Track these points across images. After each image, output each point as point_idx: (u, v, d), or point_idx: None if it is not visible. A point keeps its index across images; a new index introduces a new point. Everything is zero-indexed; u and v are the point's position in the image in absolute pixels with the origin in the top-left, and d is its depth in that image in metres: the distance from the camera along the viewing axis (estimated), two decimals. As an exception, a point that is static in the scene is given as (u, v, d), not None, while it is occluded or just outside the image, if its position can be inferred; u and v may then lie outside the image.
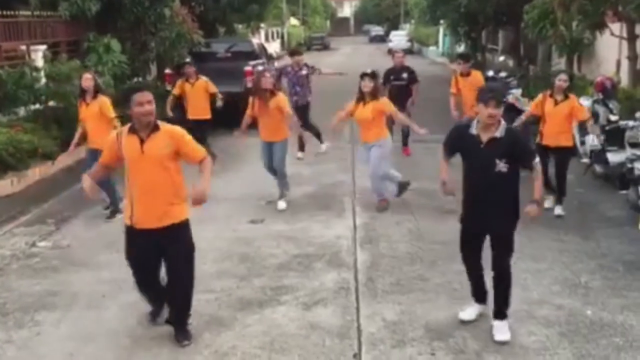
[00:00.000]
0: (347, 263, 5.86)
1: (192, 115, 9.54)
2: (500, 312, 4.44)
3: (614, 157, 7.77)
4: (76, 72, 10.33)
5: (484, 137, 4.24)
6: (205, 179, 4.32)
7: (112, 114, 7.17)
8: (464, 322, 4.60)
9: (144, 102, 4.08)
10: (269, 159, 7.65)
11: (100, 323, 4.73)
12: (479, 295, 4.65)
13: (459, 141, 4.43)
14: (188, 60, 10.26)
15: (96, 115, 7.18)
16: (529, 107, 7.69)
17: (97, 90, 7.25)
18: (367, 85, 7.14)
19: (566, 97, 7.01)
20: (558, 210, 7.09)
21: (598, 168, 8.26)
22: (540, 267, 5.65)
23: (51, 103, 10.44)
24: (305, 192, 8.27)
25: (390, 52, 10.64)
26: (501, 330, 4.39)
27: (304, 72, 10.28)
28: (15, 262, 6.11)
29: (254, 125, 7.70)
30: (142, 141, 4.15)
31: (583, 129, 9.01)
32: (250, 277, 5.57)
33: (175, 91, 9.74)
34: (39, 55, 11.00)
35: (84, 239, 6.69)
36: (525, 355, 4.19)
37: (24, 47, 11.08)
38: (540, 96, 7.27)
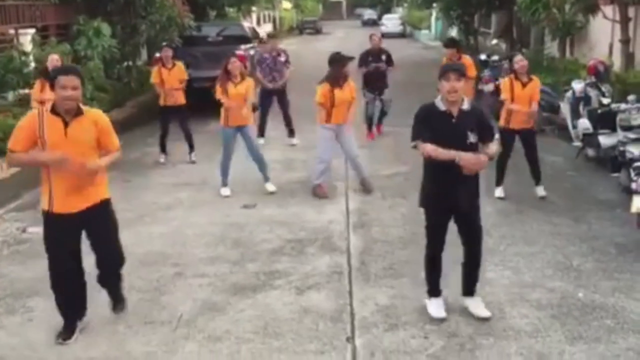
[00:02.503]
0: (339, 247, 5.86)
1: (169, 102, 9.10)
2: (474, 289, 4.53)
3: (605, 140, 7.78)
4: (66, 56, 10.24)
5: (454, 111, 4.26)
6: (104, 159, 4.16)
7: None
8: (456, 305, 4.60)
9: (68, 87, 3.89)
10: (232, 148, 7.60)
11: (93, 309, 4.70)
12: (438, 286, 4.58)
13: (429, 120, 4.33)
14: (165, 43, 9.84)
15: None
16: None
17: None
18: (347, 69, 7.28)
19: (530, 78, 7.04)
20: (540, 191, 7.09)
21: (590, 151, 8.27)
22: (532, 250, 5.67)
23: (40, 87, 10.33)
24: (298, 177, 8.25)
25: (371, 37, 10.44)
26: (481, 306, 4.48)
27: (282, 58, 10.20)
28: (6, 248, 6.08)
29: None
30: (65, 124, 3.97)
31: (575, 112, 9.03)
32: (244, 262, 5.57)
33: (155, 79, 9.18)
34: (27, 39, 10.87)
35: (76, 225, 6.64)
36: (517, 338, 4.21)
37: (12, 31, 10.96)
38: (506, 80, 7.20)
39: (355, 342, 4.22)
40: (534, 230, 6.17)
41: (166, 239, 6.14)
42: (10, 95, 10.14)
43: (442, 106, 4.28)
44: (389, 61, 10.21)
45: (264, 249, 5.86)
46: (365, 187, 7.55)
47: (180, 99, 9.12)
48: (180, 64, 9.26)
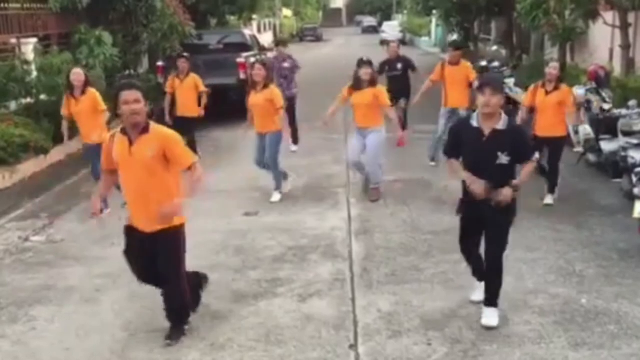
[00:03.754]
0: (342, 254, 5.86)
1: (180, 112, 9.25)
2: (491, 301, 4.45)
3: (607, 145, 7.79)
4: (68, 65, 10.27)
5: (486, 130, 4.17)
6: (190, 188, 4.17)
7: (103, 106, 7.15)
8: (460, 312, 4.60)
9: (130, 101, 3.93)
10: (261, 153, 7.59)
11: (95, 317, 4.71)
12: (482, 274, 4.59)
13: (460, 135, 4.33)
14: (186, 54, 9.90)
15: (89, 109, 7.16)
16: (522, 97, 7.63)
17: (86, 85, 7.22)
18: (367, 72, 7.15)
19: (557, 87, 6.90)
20: (548, 199, 7.08)
21: (591, 157, 8.28)
22: (535, 257, 5.66)
23: (43, 97, 10.35)
24: (300, 184, 8.25)
25: (384, 43, 10.55)
26: (492, 315, 4.43)
27: (287, 64, 10.23)
28: (8, 257, 6.08)
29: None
30: (130, 143, 4.03)
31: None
32: (246, 270, 5.56)
33: (169, 89, 9.41)
34: (29, 48, 10.89)
35: (78, 234, 6.65)
36: (520, 344, 4.20)
37: (14, 41, 10.98)
38: (532, 87, 7.21)
39: (359, 350, 4.21)
40: (535, 237, 6.16)
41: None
42: (13, 105, 10.16)
43: (475, 123, 4.22)
44: (409, 67, 10.21)
45: (266, 257, 5.86)
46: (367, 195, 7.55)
47: (193, 110, 9.24)
48: (194, 76, 9.38)
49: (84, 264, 5.82)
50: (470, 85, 8.68)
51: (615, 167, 7.25)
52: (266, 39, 36.19)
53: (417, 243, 6.05)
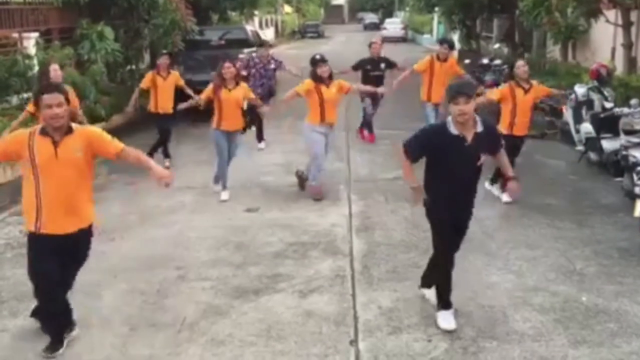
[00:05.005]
0: (342, 251, 5.87)
1: (161, 109, 9.12)
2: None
3: (608, 144, 7.79)
4: (69, 60, 10.27)
5: (468, 135, 4.15)
6: (146, 161, 4.17)
7: (77, 103, 7.36)
8: (460, 308, 4.59)
9: (53, 105, 3.81)
10: (229, 149, 7.64)
11: (96, 311, 4.72)
12: (449, 297, 4.50)
13: (435, 141, 4.23)
14: (165, 51, 9.82)
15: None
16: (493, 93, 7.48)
17: (62, 87, 7.25)
18: (325, 70, 7.32)
19: (530, 84, 7.05)
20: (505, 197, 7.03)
21: (592, 155, 8.27)
22: (535, 254, 5.67)
23: (44, 91, 10.35)
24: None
25: (370, 44, 10.44)
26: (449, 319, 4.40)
27: (272, 66, 10.37)
28: (9, 251, 6.09)
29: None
30: (55, 145, 3.89)
31: (578, 116, 9.03)
32: (246, 266, 5.57)
33: (144, 85, 9.19)
34: (31, 42, 10.89)
35: (79, 228, 6.65)
36: (520, 341, 4.21)
37: (16, 35, 10.98)
38: (506, 86, 7.17)
39: (359, 346, 4.22)
40: (536, 234, 6.16)
41: (169, 243, 6.15)
42: (14, 99, 10.16)
43: (454, 130, 4.15)
44: (390, 65, 10.20)
45: (266, 253, 5.87)
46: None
47: (171, 106, 9.16)
48: (175, 73, 9.33)
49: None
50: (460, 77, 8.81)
51: (617, 165, 7.26)
52: (268, 35, 36.19)
53: (417, 240, 6.06)
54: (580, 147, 8.72)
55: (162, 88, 9.11)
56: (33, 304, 4.88)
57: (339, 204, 7.28)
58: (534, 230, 6.26)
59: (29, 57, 10.19)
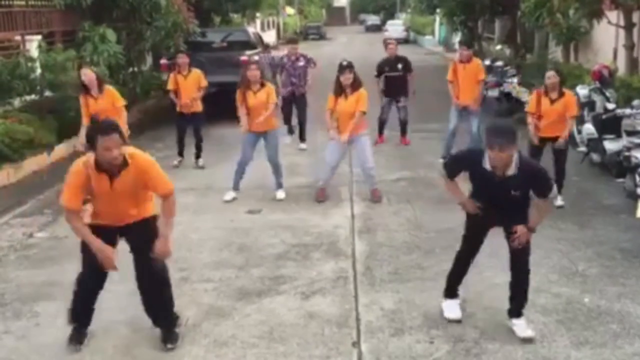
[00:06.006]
0: (345, 252, 5.87)
1: (186, 108, 9.16)
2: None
3: (610, 145, 7.79)
4: (72, 63, 10.29)
5: (498, 173, 4.07)
6: (166, 225, 4.15)
7: (122, 102, 7.42)
8: (463, 310, 4.60)
9: (112, 147, 3.79)
10: (251, 152, 7.56)
11: (98, 313, 4.71)
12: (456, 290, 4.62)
13: (469, 168, 4.24)
14: (182, 49, 9.82)
15: (109, 107, 7.29)
16: (527, 98, 7.53)
17: (101, 83, 7.36)
18: (348, 77, 7.09)
19: (561, 93, 6.83)
20: (559, 201, 7.04)
21: (595, 156, 8.27)
22: (538, 256, 5.63)
23: (47, 93, 10.38)
24: (303, 182, 8.26)
25: (384, 42, 10.54)
26: (523, 327, 4.34)
27: (302, 63, 10.24)
28: (12, 253, 6.10)
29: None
30: (111, 179, 3.95)
31: (580, 117, 9.03)
32: (249, 267, 5.58)
33: (171, 86, 9.26)
34: (33, 45, 10.92)
35: (82, 230, 6.67)
36: (523, 343, 4.21)
37: (18, 37, 11.01)
38: (534, 94, 7.08)
39: (361, 347, 4.22)
40: (538, 235, 6.09)
41: (171, 244, 6.13)
42: (17, 101, 10.19)
43: (487, 165, 4.07)
44: (407, 68, 10.23)
45: (269, 254, 5.87)
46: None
47: (196, 106, 9.20)
48: (197, 71, 9.31)
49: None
50: (479, 82, 8.94)
51: (619, 166, 7.25)
52: (270, 37, 36.22)
53: (420, 241, 6.06)
54: (582, 148, 8.71)
55: (184, 87, 9.15)
56: (36, 305, 4.91)
57: (341, 206, 7.29)
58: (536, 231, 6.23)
59: (31, 59, 10.21)
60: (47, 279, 5.44)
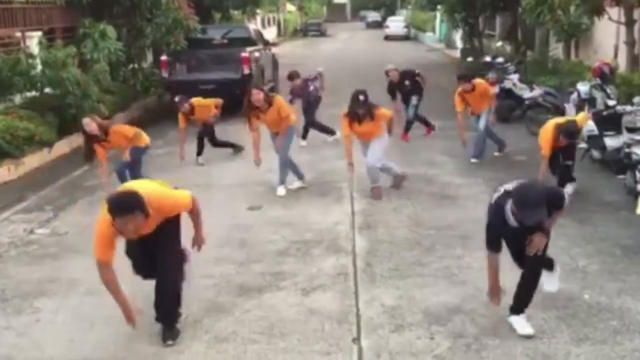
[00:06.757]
0: (345, 249, 5.88)
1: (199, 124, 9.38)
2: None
3: (611, 142, 7.78)
4: (72, 59, 10.29)
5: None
6: (197, 225, 4.52)
7: (132, 131, 7.46)
8: (463, 306, 4.60)
9: (128, 224, 3.80)
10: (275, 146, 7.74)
11: (99, 309, 4.73)
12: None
13: (499, 230, 4.25)
14: (177, 98, 9.57)
15: (122, 142, 7.38)
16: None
17: (106, 129, 7.32)
18: (363, 108, 7.07)
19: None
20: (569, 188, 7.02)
21: (595, 153, 8.26)
22: (538, 252, 5.66)
23: (47, 90, 10.39)
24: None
25: (385, 73, 10.62)
26: (523, 324, 4.32)
27: (311, 87, 10.39)
28: (13, 249, 6.11)
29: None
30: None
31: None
32: (249, 263, 5.58)
33: (182, 125, 9.13)
34: (34, 41, 10.93)
35: (82, 226, 6.65)
36: (523, 339, 4.21)
37: (19, 34, 11.02)
38: (549, 131, 6.79)
39: (362, 343, 4.23)
40: (539, 232, 6.15)
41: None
42: (18, 98, 10.20)
43: (513, 222, 4.10)
44: (414, 80, 10.50)
45: (269, 250, 5.88)
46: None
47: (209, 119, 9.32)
48: (207, 101, 9.29)
49: (88, 256, 5.75)
50: (492, 96, 9.05)
51: (619, 163, 7.24)
52: (270, 33, 36.19)
53: (420, 238, 6.07)
54: (583, 145, 8.70)
55: (200, 117, 9.26)
56: (36, 302, 4.92)
57: (341, 202, 7.29)
58: (536, 228, 6.24)
59: (32, 56, 10.23)
60: (47, 275, 5.45)
